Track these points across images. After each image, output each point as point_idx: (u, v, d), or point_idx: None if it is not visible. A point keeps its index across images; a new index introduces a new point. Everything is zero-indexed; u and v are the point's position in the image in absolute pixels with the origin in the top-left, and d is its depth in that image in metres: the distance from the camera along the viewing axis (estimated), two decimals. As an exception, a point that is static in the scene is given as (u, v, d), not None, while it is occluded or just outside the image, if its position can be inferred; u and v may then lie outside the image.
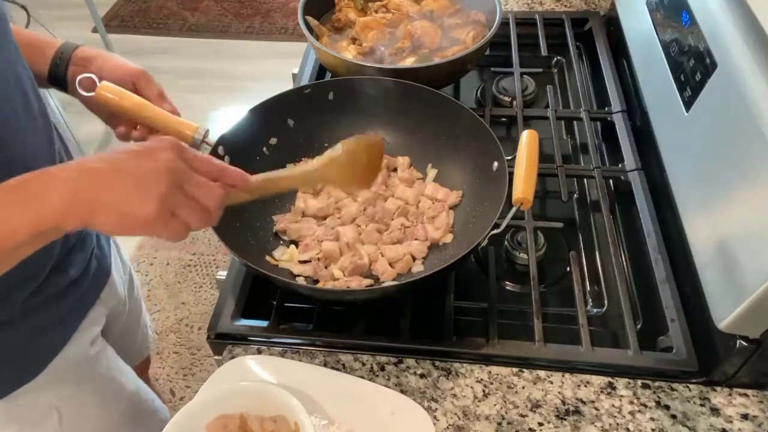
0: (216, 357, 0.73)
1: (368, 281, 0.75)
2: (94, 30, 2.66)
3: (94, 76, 0.76)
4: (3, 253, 0.47)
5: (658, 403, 0.64)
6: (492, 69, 1.08)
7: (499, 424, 0.63)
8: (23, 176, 0.47)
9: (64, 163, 0.49)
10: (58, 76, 0.72)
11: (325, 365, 0.68)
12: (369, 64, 0.90)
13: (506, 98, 1.03)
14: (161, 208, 0.46)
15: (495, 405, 0.64)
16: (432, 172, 0.86)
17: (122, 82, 0.71)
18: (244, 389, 0.60)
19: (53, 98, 2.11)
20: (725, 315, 0.59)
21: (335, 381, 0.66)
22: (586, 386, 0.66)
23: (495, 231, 0.68)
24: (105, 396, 0.81)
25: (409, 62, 0.97)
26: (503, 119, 1.04)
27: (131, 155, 0.48)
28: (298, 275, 0.76)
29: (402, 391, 0.66)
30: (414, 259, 0.77)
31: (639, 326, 0.74)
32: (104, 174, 0.46)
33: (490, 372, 0.67)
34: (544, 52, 1.09)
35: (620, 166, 0.89)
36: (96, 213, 0.46)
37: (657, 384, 0.65)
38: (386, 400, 0.64)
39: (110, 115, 0.74)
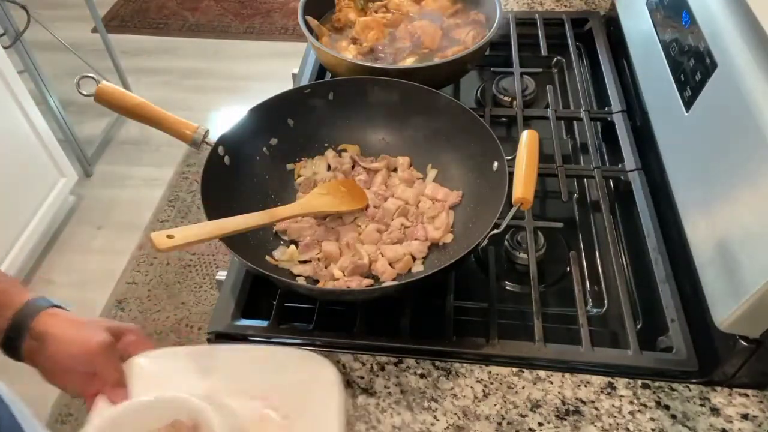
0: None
1: (368, 281, 0.75)
2: (94, 30, 2.66)
3: (94, 76, 0.76)
4: None
5: (658, 403, 0.64)
6: (492, 69, 1.08)
7: (499, 424, 0.63)
8: None
9: None
10: (11, 346, 0.61)
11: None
12: (369, 64, 0.90)
13: (506, 98, 1.03)
14: None
15: (495, 405, 0.64)
16: (432, 172, 0.86)
17: (78, 365, 0.60)
18: (124, 413, 0.57)
19: (53, 97, 2.12)
20: (725, 315, 0.59)
21: (233, 355, 0.65)
22: (586, 386, 0.66)
23: (495, 231, 0.68)
24: None
25: (409, 62, 0.97)
26: (503, 119, 1.04)
27: None
28: (298, 275, 0.76)
29: (402, 392, 0.66)
30: (414, 259, 0.77)
31: (639, 326, 0.74)
32: None
33: (490, 372, 0.67)
34: (544, 52, 1.09)
35: (620, 166, 0.89)
36: None
37: (657, 384, 0.65)
38: (288, 359, 0.63)
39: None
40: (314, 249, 0.79)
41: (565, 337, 0.71)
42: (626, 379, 0.66)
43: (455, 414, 0.64)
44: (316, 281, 0.75)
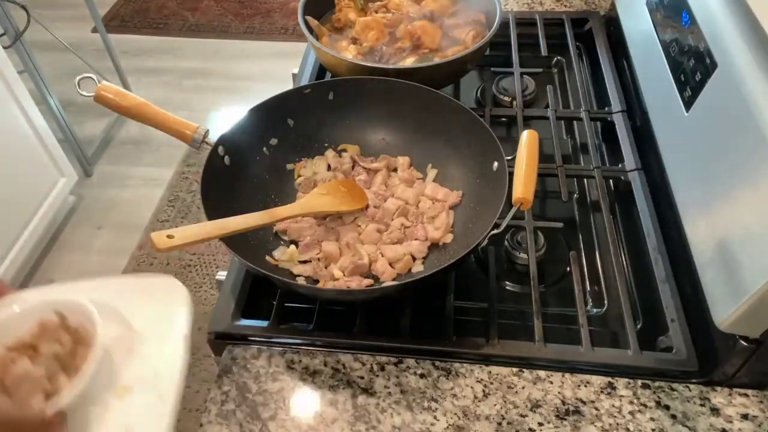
0: (216, 357, 0.74)
1: (368, 281, 0.75)
2: (94, 30, 2.66)
3: (94, 77, 0.76)
4: None
5: (658, 403, 0.64)
6: (492, 69, 1.08)
7: (499, 424, 0.63)
8: None
9: None
10: None
11: (325, 365, 0.68)
12: (369, 64, 0.90)
13: (506, 98, 1.03)
14: None
15: (495, 405, 0.64)
16: (432, 172, 0.86)
17: None
18: None
19: (53, 97, 2.12)
20: (725, 315, 0.59)
21: (90, 288, 0.63)
22: (586, 386, 0.66)
23: (495, 231, 0.68)
24: None
25: (409, 62, 0.97)
26: (503, 119, 1.04)
27: None
28: (298, 275, 0.76)
29: (402, 392, 0.66)
30: (414, 259, 0.77)
31: (639, 326, 0.74)
32: None
33: (490, 372, 0.67)
34: (544, 52, 1.09)
35: (620, 166, 0.89)
36: None
37: (657, 384, 0.65)
38: (145, 284, 0.62)
39: None
40: (314, 249, 0.79)
41: (565, 337, 0.71)
42: (626, 379, 0.66)
43: (455, 414, 0.64)
44: (316, 281, 0.75)
